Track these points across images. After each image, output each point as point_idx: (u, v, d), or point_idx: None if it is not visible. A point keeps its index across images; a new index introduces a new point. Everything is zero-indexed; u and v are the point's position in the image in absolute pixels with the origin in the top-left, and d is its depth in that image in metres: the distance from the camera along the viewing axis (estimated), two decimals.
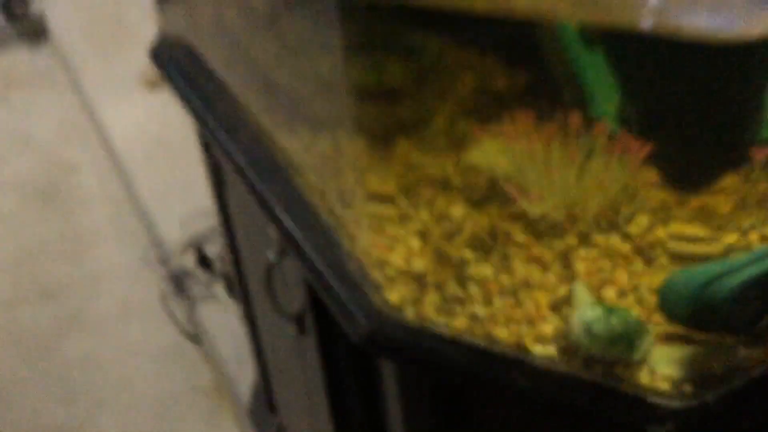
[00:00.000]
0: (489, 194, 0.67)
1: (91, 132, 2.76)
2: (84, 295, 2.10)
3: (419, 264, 0.65)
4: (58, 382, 1.89)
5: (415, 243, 0.66)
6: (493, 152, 0.69)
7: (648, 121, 0.59)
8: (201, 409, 1.76)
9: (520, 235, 0.64)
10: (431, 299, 0.64)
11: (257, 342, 1.32)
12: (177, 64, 1.07)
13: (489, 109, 0.70)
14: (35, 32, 3.44)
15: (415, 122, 0.70)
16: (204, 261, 1.85)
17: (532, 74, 0.70)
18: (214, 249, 1.90)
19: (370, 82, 0.67)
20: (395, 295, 0.64)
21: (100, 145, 2.67)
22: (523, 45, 0.67)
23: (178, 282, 1.88)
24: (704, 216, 0.55)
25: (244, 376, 1.67)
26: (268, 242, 0.87)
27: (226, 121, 0.92)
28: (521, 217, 0.65)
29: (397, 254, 0.66)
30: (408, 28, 0.67)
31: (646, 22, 0.54)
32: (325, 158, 0.72)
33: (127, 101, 2.60)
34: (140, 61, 3.12)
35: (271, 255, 0.86)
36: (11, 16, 3.43)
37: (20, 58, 3.35)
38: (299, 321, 0.89)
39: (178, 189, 2.16)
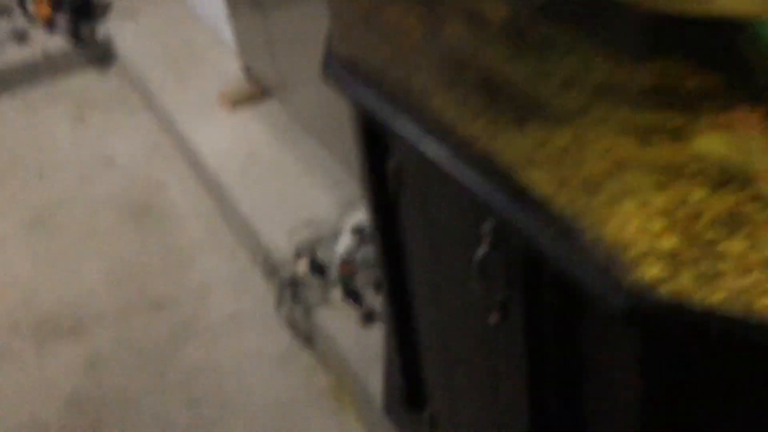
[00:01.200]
0: (723, 179, 0.75)
1: (173, 150, 2.85)
2: (193, 305, 2.18)
3: (669, 243, 0.73)
4: (179, 387, 1.96)
5: (661, 224, 0.74)
6: (719, 142, 0.76)
7: None
8: (323, 408, 1.84)
9: (762, 214, 0.72)
10: (687, 275, 0.71)
11: (404, 340, 1.39)
12: (349, 76, 1.15)
13: (707, 105, 0.78)
14: (103, 56, 3.54)
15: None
16: (317, 268, 1.93)
17: (730, 72, 0.78)
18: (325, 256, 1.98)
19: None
20: (651, 272, 0.72)
21: (184, 162, 2.76)
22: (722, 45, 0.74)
23: (292, 289, 1.96)
24: None
25: (369, 375, 1.74)
26: (475, 238, 0.94)
27: (422, 127, 0.99)
28: (759, 198, 0.72)
29: (645, 235, 0.73)
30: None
31: None
32: (564, 152, 0.80)
33: (211, 121, 2.69)
34: (215, 82, 3.21)
35: (482, 250, 0.93)
36: (79, 40, 3.54)
37: (90, 80, 3.45)
38: (503, 309, 0.97)
39: (277, 201, 2.25)
